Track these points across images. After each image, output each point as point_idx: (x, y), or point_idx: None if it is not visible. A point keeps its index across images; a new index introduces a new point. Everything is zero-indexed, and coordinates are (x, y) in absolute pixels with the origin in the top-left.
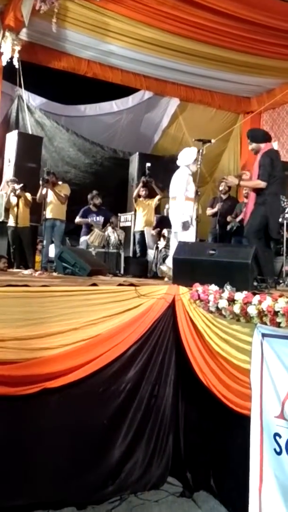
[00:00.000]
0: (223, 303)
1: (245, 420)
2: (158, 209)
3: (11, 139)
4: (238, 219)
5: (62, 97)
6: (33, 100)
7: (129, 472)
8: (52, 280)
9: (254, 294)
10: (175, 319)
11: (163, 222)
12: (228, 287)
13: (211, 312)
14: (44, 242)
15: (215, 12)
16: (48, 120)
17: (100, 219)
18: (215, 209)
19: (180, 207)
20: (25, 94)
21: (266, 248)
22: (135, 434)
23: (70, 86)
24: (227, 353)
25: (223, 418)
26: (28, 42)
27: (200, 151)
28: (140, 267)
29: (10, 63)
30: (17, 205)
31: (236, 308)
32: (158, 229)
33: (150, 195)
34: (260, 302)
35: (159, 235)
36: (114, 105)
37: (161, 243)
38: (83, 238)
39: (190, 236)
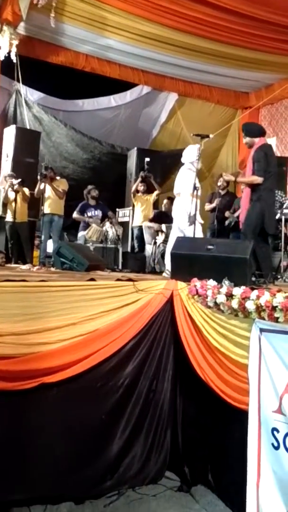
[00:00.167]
0: (221, 298)
1: (243, 415)
2: (156, 204)
3: (9, 134)
4: (236, 214)
5: (60, 91)
6: (31, 94)
7: (127, 467)
8: (50, 275)
9: (252, 289)
10: (173, 314)
11: (161, 217)
12: (226, 282)
13: (209, 307)
14: (42, 237)
15: (214, 7)
16: (46, 115)
17: (99, 213)
18: (213, 205)
19: (186, 204)
20: (23, 89)
21: (263, 244)
22: (133, 429)
23: (68, 80)
24: (225, 348)
25: (221, 413)
26: (26, 37)
27: (199, 146)
28: (138, 262)
29: (8, 57)
30: (15, 200)
31: (234, 303)
32: (155, 224)
33: (149, 190)
34: (258, 297)
35: (157, 230)
36: (112, 100)
37: (159, 238)
38: (81, 233)
39: (199, 232)
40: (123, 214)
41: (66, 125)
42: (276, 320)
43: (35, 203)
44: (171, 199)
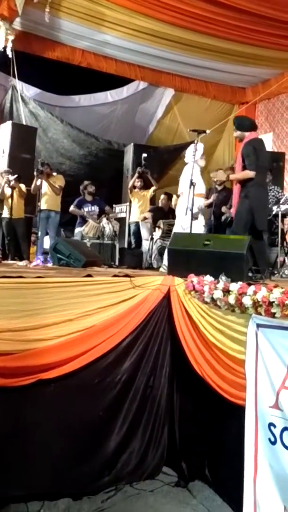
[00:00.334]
0: (218, 294)
1: (240, 410)
2: (153, 200)
3: (5, 130)
4: (233, 209)
5: (56, 87)
6: (27, 90)
7: (125, 463)
8: (47, 271)
9: (249, 284)
10: (170, 310)
11: (157, 213)
12: (223, 278)
13: (206, 302)
14: (39, 233)
15: (210, 2)
16: (42, 111)
17: (95, 208)
18: (210, 200)
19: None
20: (19, 85)
21: (257, 240)
22: (130, 424)
23: (64, 76)
24: (222, 343)
25: (218, 408)
26: (22, 32)
27: (195, 141)
28: (135, 258)
29: (3, 52)
30: (12, 196)
31: (231, 299)
32: (151, 213)
33: (146, 186)
34: (255, 293)
35: (155, 226)
36: (108, 96)
37: (156, 234)
38: (78, 229)
39: (199, 229)
40: (120, 210)
41: (63, 121)
42: (273, 315)
43: (31, 199)
44: (168, 195)
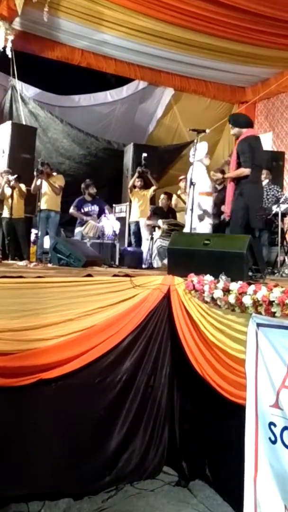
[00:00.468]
0: (218, 293)
1: (240, 410)
2: (153, 199)
3: (5, 130)
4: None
5: (56, 87)
6: (27, 90)
7: (125, 462)
8: (47, 271)
9: (249, 284)
10: (170, 309)
11: (157, 213)
12: (223, 277)
13: (206, 302)
14: (39, 233)
15: (210, 1)
16: (42, 111)
17: (95, 208)
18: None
19: (196, 201)
20: (19, 84)
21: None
22: (131, 424)
23: (64, 76)
24: (222, 343)
25: (218, 408)
26: (22, 32)
27: (195, 141)
28: (135, 258)
29: (3, 52)
30: (12, 196)
31: (231, 298)
32: (152, 222)
33: (146, 185)
34: (255, 292)
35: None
36: (108, 96)
37: (156, 234)
38: (78, 229)
39: (205, 228)
40: (120, 209)
41: (62, 121)
42: (273, 315)
43: (31, 199)
44: (168, 194)
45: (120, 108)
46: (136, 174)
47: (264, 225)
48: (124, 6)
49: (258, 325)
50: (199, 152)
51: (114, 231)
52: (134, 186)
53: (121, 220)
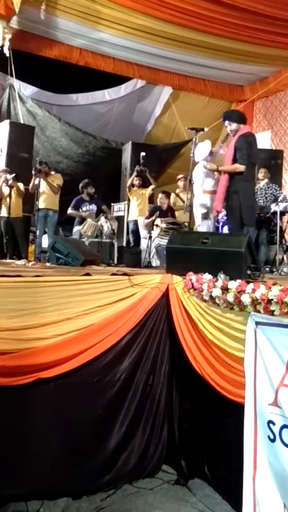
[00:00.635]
0: (217, 292)
1: (239, 408)
2: (152, 198)
3: (3, 128)
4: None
5: (54, 86)
6: (25, 89)
7: (125, 461)
8: (45, 270)
9: (248, 282)
10: (169, 308)
11: (155, 212)
12: (221, 276)
13: (205, 301)
14: (37, 232)
15: (208, 0)
16: (40, 110)
17: (93, 207)
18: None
19: (198, 200)
20: (17, 83)
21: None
22: (130, 423)
23: (62, 75)
24: (221, 341)
25: (217, 406)
26: (19, 30)
27: (193, 139)
28: (133, 257)
29: (0, 51)
30: (10, 195)
31: (230, 297)
32: (151, 219)
33: (144, 184)
34: (254, 291)
35: (152, 225)
36: (106, 94)
37: (154, 233)
38: (76, 228)
39: (210, 226)
40: (118, 208)
41: (60, 119)
42: (271, 313)
43: (29, 198)
44: (166, 193)
45: (118, 107)
46: (135, 173)
47: (263, 224)
48: (122, 4)
49: (257, 323)
50: (202, 151)
51: (113, 229)
52: (132, 185)
53: (120, 219)
